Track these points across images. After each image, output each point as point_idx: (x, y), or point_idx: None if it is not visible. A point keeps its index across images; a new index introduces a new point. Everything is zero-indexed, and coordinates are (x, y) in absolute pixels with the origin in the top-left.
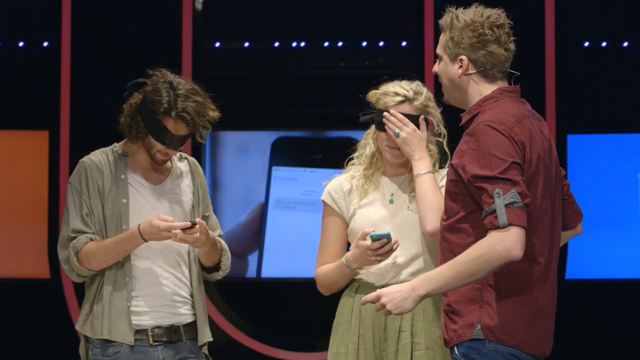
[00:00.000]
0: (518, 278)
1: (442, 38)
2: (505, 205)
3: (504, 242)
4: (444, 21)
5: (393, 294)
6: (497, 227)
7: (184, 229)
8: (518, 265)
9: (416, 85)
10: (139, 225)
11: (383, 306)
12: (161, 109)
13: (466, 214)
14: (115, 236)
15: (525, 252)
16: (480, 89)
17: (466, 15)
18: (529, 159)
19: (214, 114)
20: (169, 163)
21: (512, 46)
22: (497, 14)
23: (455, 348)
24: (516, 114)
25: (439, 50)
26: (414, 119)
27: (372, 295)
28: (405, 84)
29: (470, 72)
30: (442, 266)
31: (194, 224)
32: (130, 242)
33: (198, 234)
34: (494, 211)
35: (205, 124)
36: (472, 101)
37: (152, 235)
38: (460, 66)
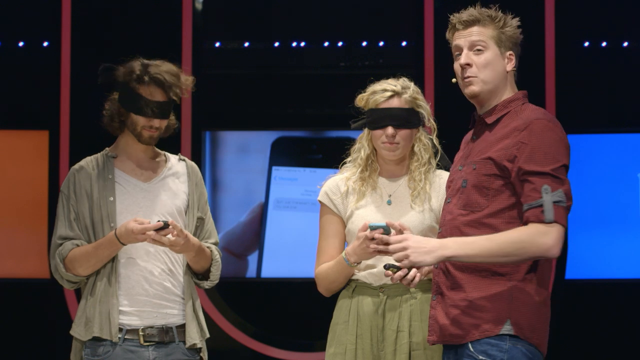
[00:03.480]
0: (544, 279)
1: (487, 30)
2: (553, 202)
3: (546, 238)
4: (484, 13)
5: (418, 244)
6: (541, 222)
7: (157, 230)
8: (546, 266)
9: (402, 80)
10: (115, 229)
11: (406, 256)
12: (134, 76)
13: (498, 210)
14: (95, 241)
15: None
16: (513, 88)
17: (507, 14)
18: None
19: (187, 80)
20: (162, 161)
21: None
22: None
23: (470, 345)
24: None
25: (485, 40)
26: (406, 112)
27: (397, 238)
28: (391, 80)
29: (512, 69)
30: (477, 237)
31: (166, 224)
32: (109, 247)
33: (172, 237)
34: (541, 205)
35: (178, 85)
36: (501, 97)
37: (128, 239)
38: (509, 61)
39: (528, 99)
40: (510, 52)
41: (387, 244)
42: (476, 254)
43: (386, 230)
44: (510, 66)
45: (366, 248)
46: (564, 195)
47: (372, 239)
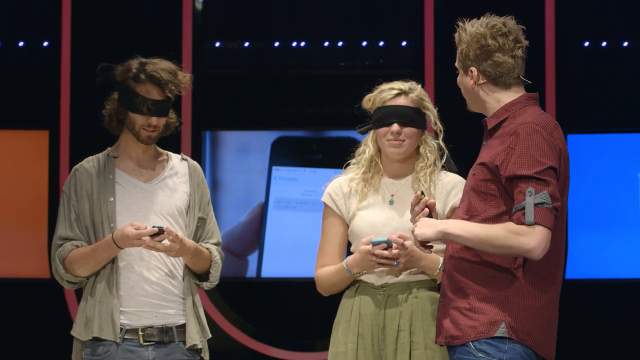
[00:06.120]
0: (544, 282)
1: (457, 52)
2: (535, 205)
3: (526, 239)
4: (456, 35)
5: (427, 221)
6: (523, 224)
7: (152, 236)
8: (548, 268)
9: (411, 83)
10: (112, 233)
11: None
12: (131, 74)
13: (495, 215)
14: (94, 244)
15: (553, 256)
16: (497, 97)
17: (473, 27)
18: (562, 165)
19: (184, 77)
20: (164, 161)
21: (519, 52)
22: (502, 23)
23: (471, 343)
24: (554, 121)
25: (456, 64)
26: (412, 110)
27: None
28: (399, 81)
29: (481, 82)
30: (474, 224)
31: (161, 230)
32: (106, 250)
33: (168, 242)
34: (523, 208)
35: (175, 82)
36: (492, 108)
37: (124, 243)
38: (472, 77)
39: (536, 101)
40: (471, 68)
41: (391, 260)
42: (468, 237)
43: (388, 244)
44: (472, 81)
45: (369, 262)
46: (548, 196)
47: (375, 254)
